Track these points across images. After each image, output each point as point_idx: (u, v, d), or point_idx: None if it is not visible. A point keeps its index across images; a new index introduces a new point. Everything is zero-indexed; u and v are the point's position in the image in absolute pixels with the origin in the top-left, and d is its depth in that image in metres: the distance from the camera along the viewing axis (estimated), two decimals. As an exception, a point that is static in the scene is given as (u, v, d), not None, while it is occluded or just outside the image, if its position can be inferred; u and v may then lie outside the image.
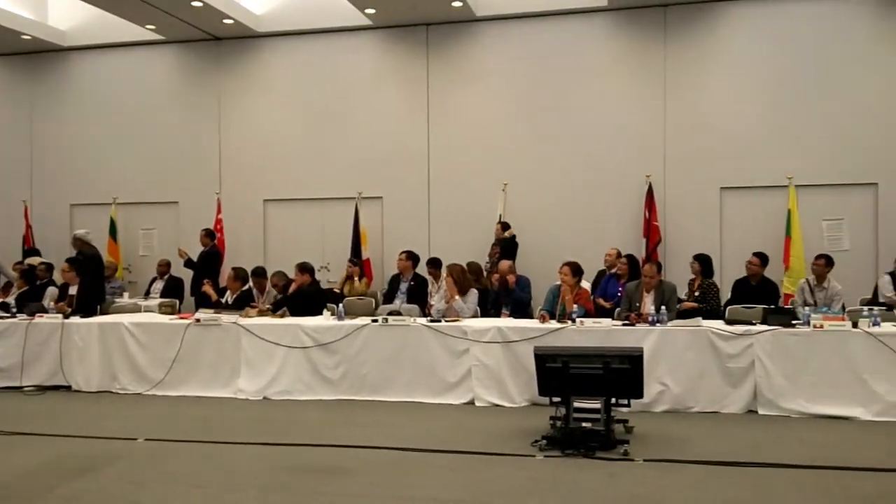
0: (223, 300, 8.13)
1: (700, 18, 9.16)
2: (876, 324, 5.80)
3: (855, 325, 5.83)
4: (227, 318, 6.96)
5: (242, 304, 7.67)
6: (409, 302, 8.06)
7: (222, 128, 10.63)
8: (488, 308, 7.58)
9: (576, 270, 6.92)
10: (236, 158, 10.56)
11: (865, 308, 6.34)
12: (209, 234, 9.82)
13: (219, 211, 10.31)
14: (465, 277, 7.29)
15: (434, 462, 4.80)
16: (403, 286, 8.41)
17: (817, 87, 8.86)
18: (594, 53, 9.49)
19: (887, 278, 7.51)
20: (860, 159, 8.74)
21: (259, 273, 8.18)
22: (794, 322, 6.03)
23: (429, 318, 6.85)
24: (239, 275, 8.13)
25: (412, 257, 8.52)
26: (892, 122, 8.65)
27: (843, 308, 7.06)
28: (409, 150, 9.98)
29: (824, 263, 7.45)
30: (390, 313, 6.94)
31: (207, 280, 8.86)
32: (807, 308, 6.42)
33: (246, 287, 8.10)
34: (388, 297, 8.52)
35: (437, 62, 9.92)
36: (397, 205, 10.06)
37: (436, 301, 7.55)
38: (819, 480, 4.31)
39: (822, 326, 5.81)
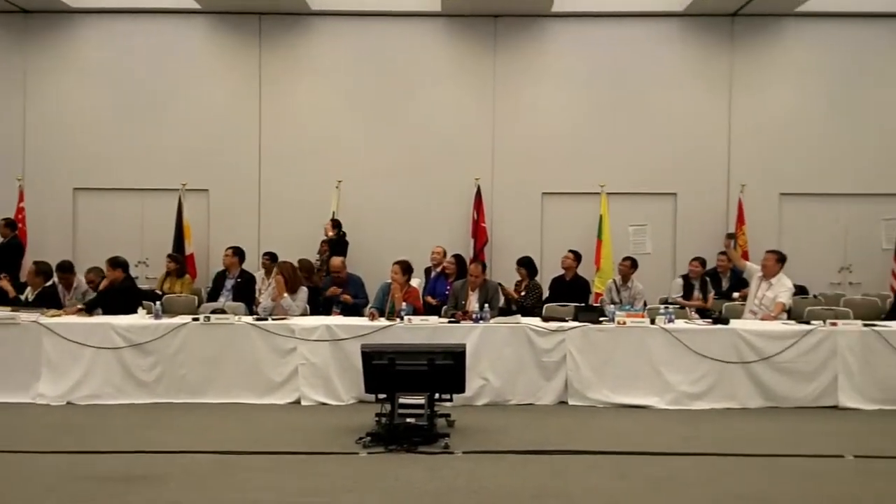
0: (22, 297, 7.41)
1: (528, 31, 9.65)
2: (670, 320, 6.42)
3: (653, 321, 6.42)
4: (26, 316, 6.35)
5: (45, 301, 7.03)
6: (235, 300, 7.80)
7: (28, 108, 9.70)
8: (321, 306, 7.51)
9: (405, 269, 7.04)
10: (42, 142, 9.67)
11: (662, 306, 6.99)
12: (9, 224, 8.94)
13: (21, 199, 9.39)
14: (295, 275, 7.16)
15: (254, 464, 4.69)
16: (229, 283, 8.13)
17: (629, 105, 9.66)
18: (428, 57, 9.71)
19: (679, 281, 8.33)
20: (662, 171, 9.63)
21: (65, 268, 7.49)
22: (601, 319, 6.53)
23: (255, 317, 6.67)
24: (41, 269, 7.42)
25: (238, 253, 8.24)
26: (689, 138, 9.60)
27: (645, 306, 7.75)
28: (239, 143, 9.66)
29: (629, 265, 8.14)
30: (213, 311, 6.67)
31: (5, 275, 8.01)
32: (612, 306, 6.96)
33: (49, 283, 7.42)
34: (213, 294, 8.18)
35: (269, 53, 9.69)
36: (225, 198, 9.71)
37: (263, 299, 7.36)
38: (616, 464, 4.71)
39: (624, 323, 6.34)
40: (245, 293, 7.96)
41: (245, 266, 8.29)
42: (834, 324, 6.36)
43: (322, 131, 9.65)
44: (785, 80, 9.59)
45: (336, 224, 9.00)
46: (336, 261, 7.75)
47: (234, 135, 9.65)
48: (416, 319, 6.44)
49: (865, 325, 6.39)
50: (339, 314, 7.17)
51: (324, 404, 6.23)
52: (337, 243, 8.73)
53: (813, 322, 6.53)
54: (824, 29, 9.50)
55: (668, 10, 9.45)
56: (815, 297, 8.46)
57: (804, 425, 5.69)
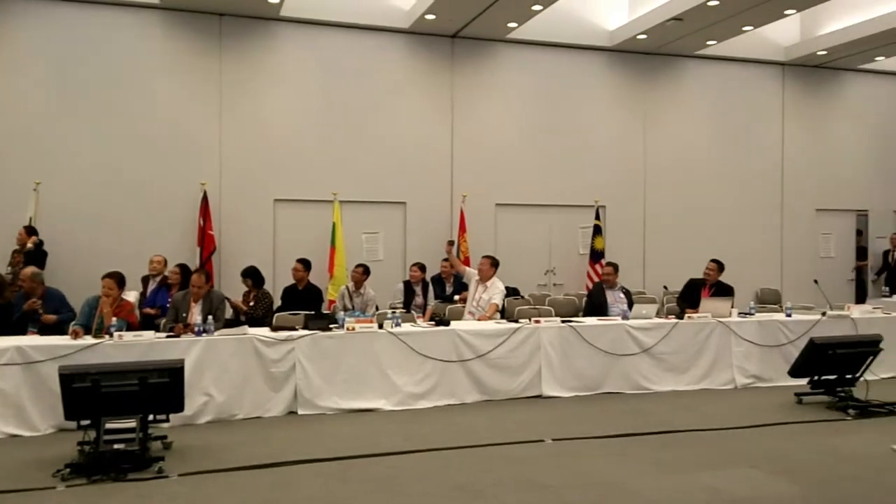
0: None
1: (254, 32, 9.41)
2: (397, 324, 6.66)
3: (381, 326, 6.60)
4: None
5: None
6: None
7: None
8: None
9: (120, 281, 6.42)
10: None
11: (389, 311, 7.22)
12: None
13: None
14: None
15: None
16: None
17: (357, 115, 9.85)
18: (147, 50, 9.02)
19: (400, 286, 8.71)
20: (393, 181, 9.98)
21: None
22: (332, 326, 6.56)
23: (-77, 341, 5.63)
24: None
25: None
26: (416, 150, 10.06)
27: (377, 310, 7.95)
28: None
29: (362, 272, 8.31)
30: None
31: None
32: (343, 312, 7.04)
33: None
34: None
35: None
36: None
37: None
38: (341, 469, 4.75)
39: (354, 329, 6.44)
40: None
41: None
42: (538, 321, 7.07)
43: (17, 126, 8.50)
44: (499, 101, 10.48)
45: (30, 231, 7.94)
46: (26, 271, 6.79)
47: None
48: (129, 335, 5.92)
49: (563, 322, 7.20)
50: (36, 334, 6.32)
51: (15, 436, 5.45)
52: (33, 253, 7.71)
53: (520, 320, 7.20)
54: (533, 55, 10.55)
55: (395, 25, 9.83)
56: (522, 297, 9.31)
57: (512, 415, 6.24)
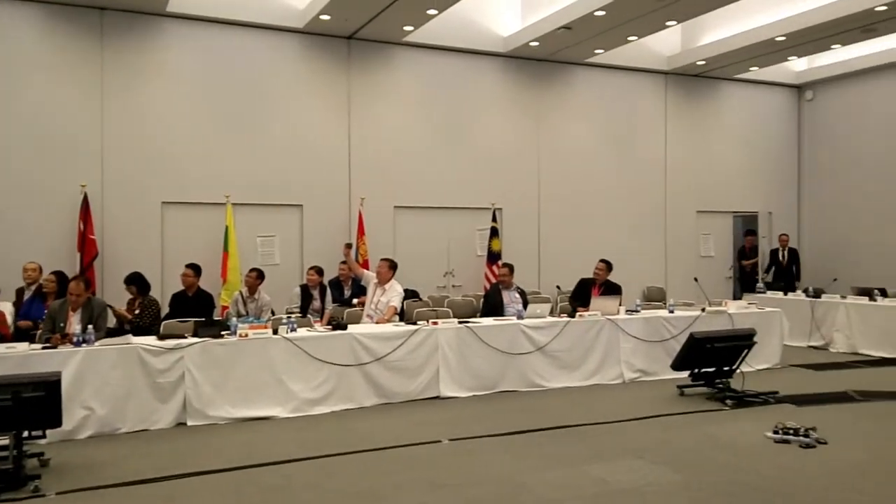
0: None
1: (139, 29, 9.01)
2: (293, 329, 6.54)
3: (276, 331, 6.46)
4: None
5: None
6: None
7: None
8: None
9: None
10: None
11: (285, 316, 7.08)
12: None
13: None
14: None
15: None
16: None
17: (255, 115, 9.62)
18: (24, 45, 8.47)
19: (297, 290, 8.58)
20: (289, 183, 9.80)
21: None
22: (224, 333, 6.36)
23: None
24: None
25: None
26: (313, 152, 9.92)
27: (273, 316, 7.77)
28: None
29: (256, 276, 8.10)
30: None
31: None
32: (237, 318, 6.84)
33: None
34: None
35: None
36: None
37: None
38: (233, 480, 4.62)
39: (247, 335, 6.27)
40: None
41: None
42: (435, 323, 7.13)
43: None
44: (397, 104, 10.49)
45: None
46: None
47: None
48: (1, 347, 5.53)
49: (461, 323, 7.28)
50: None
51: None
52: None
53: (419, 322, 7.23)
54: (429, 59, 10.60)
55: (289, 25, 9.65)
56: (421, 299, 9.34)
57: (410, 417, 6.25)
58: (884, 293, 9.52)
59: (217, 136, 9.42)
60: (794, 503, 4.16)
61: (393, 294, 7.75)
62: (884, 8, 9.27)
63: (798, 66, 13.20)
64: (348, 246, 8.75)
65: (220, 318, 7.60)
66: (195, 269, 7.96)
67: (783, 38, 10.58)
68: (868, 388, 7.19)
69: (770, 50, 11.18)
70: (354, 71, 10.20)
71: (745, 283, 12.44)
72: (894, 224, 11.93)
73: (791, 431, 5.40)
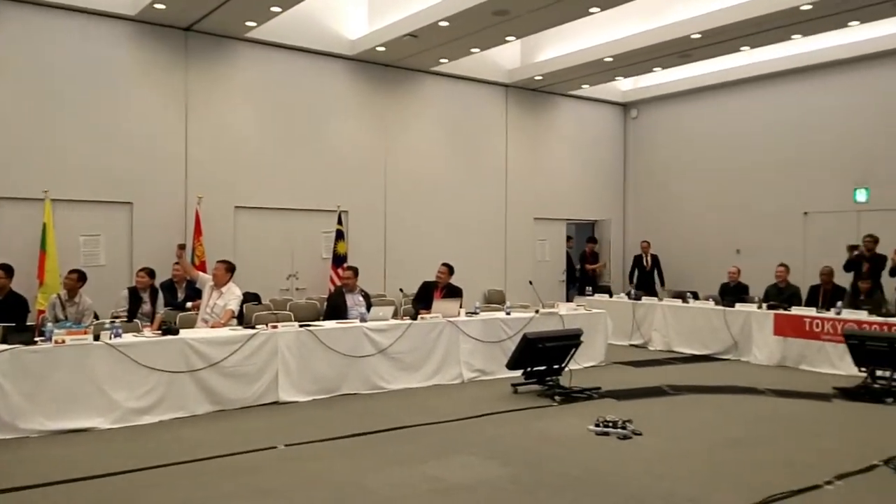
0: None
1: None
2: (117, 335, 6.13)
3: (97, 337, 6.03)
4: None
5: None
6: None
7: None
8: None
9: None
10: None
11: (108, 321, 6.63)
12: None
13: None
14: None
15: None
16: None
17: (81, 103, 8.96)
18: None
19: (125, 293, 8.08)
20: (117, 179, 9.20)
21: None
22: (36, 339, 5.86)
23: None
24: None
25: None
26: (146, 147, 9.38)
27: (97, 320, 7.25)
28: None
29: (76, 278, 7.53)
30: None
31: None
32: (52, 324, 6.31)
33: None
34: None
35: None
36: None
37: None
38: (42, 498, 4.27)
39: (63, 341, 5.81)
40: None
41: None
42: (275, 326, 6.97)
43: None
44: (238, 101, 10.16)
45: None
46: None
47: None
48: None
49: (301, 326, 7.18)
50: None
51: None
52: None
53: (257, 326, 7.04)
54: (273, 56, 10.37)
55: (119, 12, 9.07)
56: (261, 303, 9.11)
57: (246, 424, 6.07)
58: (696, 296, 10.49)
59: (35, 125, 8.66)
60: (612, 491, 4.49)
61: (230, 297, 7.50)
62: (698, 36, 10.23)
63: (624, 86, 14.24)
64: (181, 247, 8.36)
65: (31, 324, 6.96)
66: (6, 269, 7.27)
67: (611, 59, 11.38)
68: (679, 383, 7.89)
69: (599, 70, 11.99)
70: (193, 64, 9.76)
71: (590, 285, 12.59)
72: (707, 231, 13.16)
73: (610, 424, 5.81)
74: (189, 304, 8.21)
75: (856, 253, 9.83)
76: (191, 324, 7.45)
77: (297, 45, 10.51)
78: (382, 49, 10.66)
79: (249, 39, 10.10)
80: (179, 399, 6.23)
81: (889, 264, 9.52)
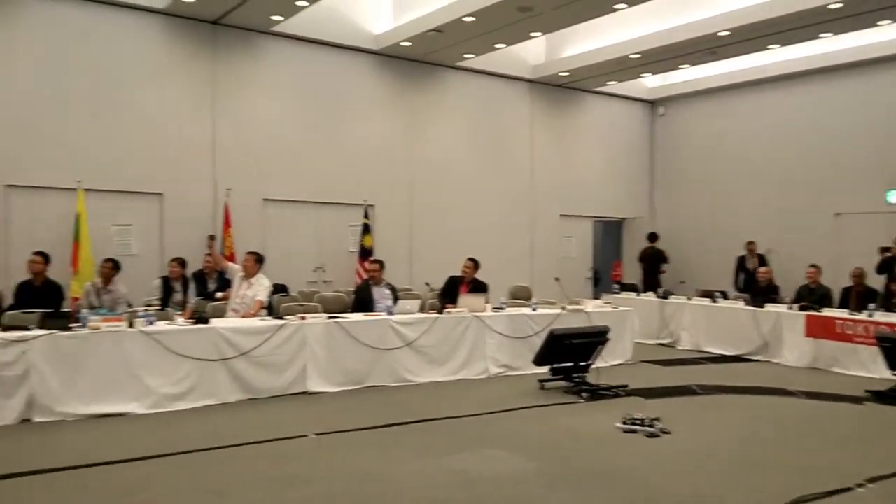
0: None
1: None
2: (150, 323, 6.25)
3: (131, 325, 6.15)
4: None
5: None
6: None
7: None
8: None
9: None
10: None
11: (142, 309, 6.74)
12: None
13: None
14: None
15: None
16: None
17: (112, 95, 9.08)
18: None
19: (157, 282, 8.24)
20: (148, 171, 9.32)
21: None
22: (72, 325, 5.99)
23: None
24: None
25: None
26: (175, 140, 9.50)
27: (130, 308, 7.37)
28: None
29: (111, 267, 7.65)
30: None
31: None
32: (87, 310, 6.44)
33: None
34: None
35: None
36: None
37: None
38: (81, 479, 4.38)
39: (98, 328, 5.93)
40: None
41: None
42: (303, 318, 7.05)
43: None
44: (266, 94, 10.24)
45: None
46: None
47: None
48: None
49: (330, 318, 7.24)
50: None
51: None
52: None
53: (286, 317, 7.11)
54: (299, 51, 10.42)
55: (150, 5, 9.20)
56: (289, 294, 9.19)
57: (276, 412, 6.16)
58: (725, 296, 10.39)
59: (68, 116, 8.80)
60: (637, 487, 4.49)
61: (259, 288, 7.59)
62: (726, 33, 10.14)
63: (651, 83, 14.13)
64: (211, 238, 8.46)
65: (68, 310, 7.11)
66: (43, 256, 7.43)
67: (637, 56, 11.30)
68: (708, 383, 7.82)
69: (625, 66, 11.91)
70: (221, 58, 9.85)
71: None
72: (734, 231, 13.02)
73: (638, 422, 5.80)
74: (220, 294, 8.31)
75: (888, 255, 9.68)
76: (221, 314, 7.54)
77: (323, 40, 10.57)
78: (407, 44, 10.68)
79: (276, 33, 10.17)
80: (211, 386, 6.34)
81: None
